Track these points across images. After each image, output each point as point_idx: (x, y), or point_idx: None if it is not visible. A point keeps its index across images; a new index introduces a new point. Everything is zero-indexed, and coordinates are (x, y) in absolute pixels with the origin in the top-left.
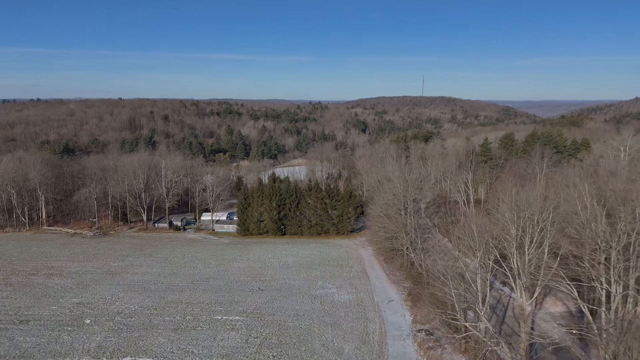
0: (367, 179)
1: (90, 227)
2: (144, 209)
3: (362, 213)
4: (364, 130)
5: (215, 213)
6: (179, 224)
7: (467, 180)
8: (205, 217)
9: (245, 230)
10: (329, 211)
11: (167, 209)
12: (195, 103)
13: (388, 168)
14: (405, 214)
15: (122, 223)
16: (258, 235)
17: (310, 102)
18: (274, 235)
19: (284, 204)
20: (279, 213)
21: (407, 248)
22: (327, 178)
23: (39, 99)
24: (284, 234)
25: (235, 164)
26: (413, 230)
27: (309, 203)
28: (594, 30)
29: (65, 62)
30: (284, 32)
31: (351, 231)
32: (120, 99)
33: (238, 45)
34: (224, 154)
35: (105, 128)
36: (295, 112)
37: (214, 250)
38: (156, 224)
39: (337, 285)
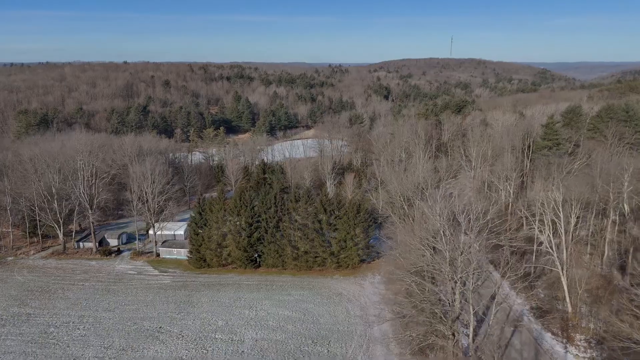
0: (383, 170)
1: None
2: (59, 223)
3: (379, 226)
4: (386, 97)
5: (168, 224)
6: (116, 242)
7: (557, 202)
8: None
9: (199, 260)
10: (325, 233)
11: (92, 225)
12: (204, 67)
13: (418, 173)
14: (455, 294)
15: (36, 240)
16: (219, 268)
17: (330, 65)
18: (243, 269)
19: (259, 222)
20: (250, 235)
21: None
22: (333, 169)
23: (47, 62)
24: (259, 265)
25: (229, 139)
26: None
27: (296, 221)
28: None
29: (88, 25)
30: None
31: (361, 260)
32: (126, 62)
33: (259, 6)
34: (218, 128)
35: (96, 95)
36: (312, 76)
37: (139, 303)
38: (81, 243)
39: None
